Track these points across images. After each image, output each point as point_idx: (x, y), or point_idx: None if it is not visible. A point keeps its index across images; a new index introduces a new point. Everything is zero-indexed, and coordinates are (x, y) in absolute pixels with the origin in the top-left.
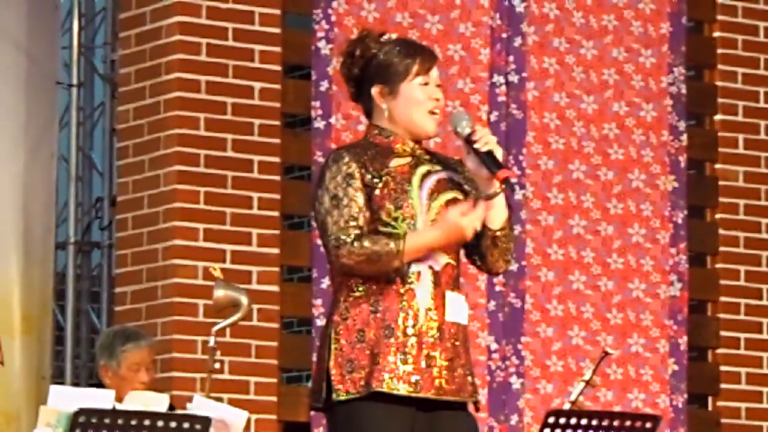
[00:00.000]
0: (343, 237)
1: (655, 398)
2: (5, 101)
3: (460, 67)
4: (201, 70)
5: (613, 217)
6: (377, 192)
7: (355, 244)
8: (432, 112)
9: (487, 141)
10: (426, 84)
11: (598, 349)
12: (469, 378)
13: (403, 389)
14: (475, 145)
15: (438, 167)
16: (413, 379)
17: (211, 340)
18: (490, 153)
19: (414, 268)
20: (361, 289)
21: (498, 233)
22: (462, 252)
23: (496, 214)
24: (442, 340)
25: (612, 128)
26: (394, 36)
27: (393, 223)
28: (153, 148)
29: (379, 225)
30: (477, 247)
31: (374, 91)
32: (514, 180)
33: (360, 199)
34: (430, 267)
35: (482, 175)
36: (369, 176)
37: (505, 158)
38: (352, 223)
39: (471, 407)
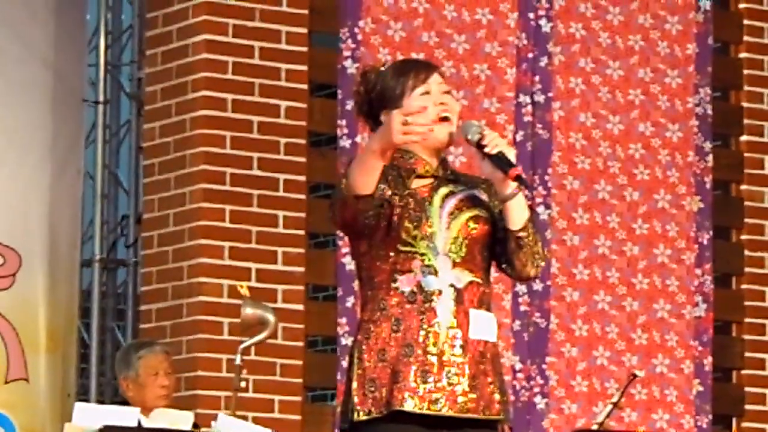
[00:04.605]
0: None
1: (679, 419)
2: (32, 118)
3: (486, 86)
4: (227, 88)
5: (638, 238)
6: (396, 210)
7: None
8: (442, 119)
9: (496, 143)
10: (427, 93)
11: (623, 369)
12: (497, 396)
13: (423, 408)
14: (485, 149)
15: (461, 187)
16: (434, 397)
17: (237, 358)
18: (500, 154)
19: (435, 286)
20: (383, 307)
21: (521, 234)
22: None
23: (517, 215)
24: (466, 359)
25: (638, 148)
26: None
27: (412, 241)
28: (179, 166)
29: (399, 244)
30: (504, 254)
31: (383, 118)
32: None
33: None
34: (452, 285)
35: (498, 178)
36: (390, 192)
37: (531, 178)
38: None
39: (505, 429)
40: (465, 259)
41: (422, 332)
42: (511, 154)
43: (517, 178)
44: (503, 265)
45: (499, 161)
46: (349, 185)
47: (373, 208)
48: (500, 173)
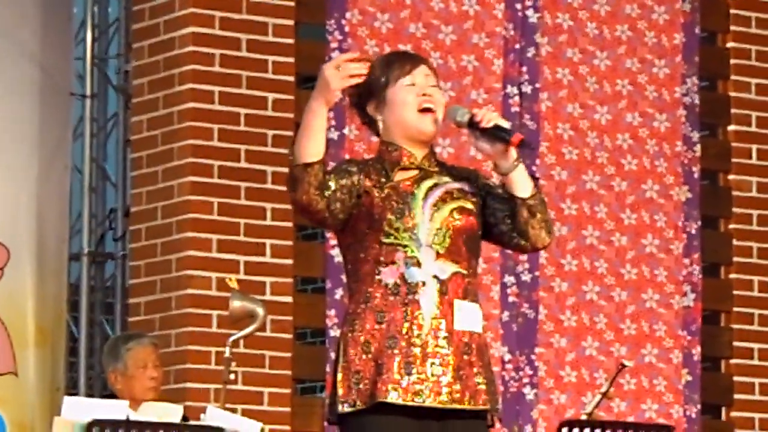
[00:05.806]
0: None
1: (668, 409)
2: (19, 113)
3: (474, 77)
4: (214, 80)
5: (626, 228)
6: (377, 201)
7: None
8: (424, 110)
9: (489, 118)
10: (412, 84)
11: (612, 359)
12: (484, 386)
13: (407, 399)
14: (480, 125)
15: (446, 179)
16: (417, 388)
17: (227, 351)
18: (496, 126)
19: (418, 278)
20: (368, 299)
21: (531, 201)
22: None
23: (523, 183)
24: (451, 349)
25: (625, 139)
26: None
27: (394, 233)
28: (166, 158)
29: (382, 236)
30: (516, 226)
31: (369, 109)
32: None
33: (341, 178)
34: (435, 276)
35: (499, 151)
36: (369, 183)
37: None
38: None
39: (494, 419)
40: (449, 251)
41: (406, 324)
42: (507, 125)
43: (521, 143)
44: (515, 240)
45: (498, 132)
46: (295, 156)
47: (322, 178)
48: (500, 145)
